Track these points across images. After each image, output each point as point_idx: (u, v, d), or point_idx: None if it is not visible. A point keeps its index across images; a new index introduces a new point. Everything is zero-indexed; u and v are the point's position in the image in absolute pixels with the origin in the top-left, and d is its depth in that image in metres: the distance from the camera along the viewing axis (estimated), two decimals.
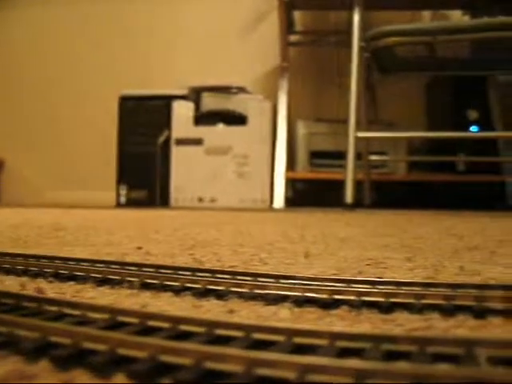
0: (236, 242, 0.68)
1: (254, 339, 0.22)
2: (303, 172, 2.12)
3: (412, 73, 2.04)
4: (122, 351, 0.21)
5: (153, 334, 0.23)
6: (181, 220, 1.24)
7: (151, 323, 0.25)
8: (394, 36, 1.65)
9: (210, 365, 0.19)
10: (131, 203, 2.20)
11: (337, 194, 1.68)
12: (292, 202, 2.12)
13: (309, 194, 2.16)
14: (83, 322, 0.25)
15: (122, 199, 2.23)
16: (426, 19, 2.36)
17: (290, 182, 2.15)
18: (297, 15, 2.39)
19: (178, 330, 0.24)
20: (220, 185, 2.08)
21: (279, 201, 2.03)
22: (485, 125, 1.98)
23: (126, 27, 2.68)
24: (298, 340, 0.22)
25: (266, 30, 2.48)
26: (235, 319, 0.28)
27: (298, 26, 2.43)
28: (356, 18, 1.73)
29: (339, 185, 1.66)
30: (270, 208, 2.02)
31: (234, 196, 2.07)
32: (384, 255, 0.55)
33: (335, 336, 0.21)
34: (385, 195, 2.09)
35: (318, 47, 2.41)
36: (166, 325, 0.24)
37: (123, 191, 2.23)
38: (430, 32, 1.61)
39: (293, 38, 2.38)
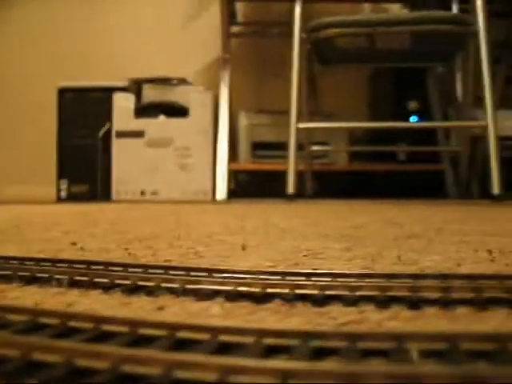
0: (174, 235, 0.67)
1: (178, 338, 0.21)
2: (245, 163, 2.11)
3: (353, 64, 2.05)
4: (37, 356, 0.19)
5: (72, 336, 0.22)
6: (121, 214, 1.22)
7: (73, 324, 0.23)
8: (334, 27, 1.65)
9: (128, 368, 0.18)
10: (72, 198, 2.16)
11: (279, 185, 1.68)
12: (235, 193, 2.11)
13: (251, 185, 2.16)
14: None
15: (63, 194, 2.18)
16: (366, 11, 2.39)
17: (233, 174, 2.14)
18: (239, 6, 2.38)
19: (99, 331, 0.22)
20: (162, 177, 2.06)
21: (221, 192, 2.02)
22: (424, 115, 2.02)
23: (65, 18, 2.62)
24: (224, 338, 0.21)
25: (208, 21, 2.46)
26: (163, 317, 0.27)
27: (240, 17, 2.42)
28: (297, 9, 1.73)
29: (282, 176, 1.66)
30: (213, 200, 2.01)
31: (176, 188, 2.04)
32: (323, 245, 0.55)
33: (262, 333, 0.20)
34: (327, 185, 2.10)
35: (259, 38, 2.41)
36: (88, 325, 0.23)
37: (64, 186, 2.18)
38: (369, 24, 1.63)
39: (235, 29, 2.36)
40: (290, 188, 1.61)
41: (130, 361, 0.18)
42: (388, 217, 1.00)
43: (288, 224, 0.84)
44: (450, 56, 1.90)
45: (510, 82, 1.95)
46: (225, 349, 0.20)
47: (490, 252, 0.49)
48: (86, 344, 0.20)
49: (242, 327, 0.21)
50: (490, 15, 1.60)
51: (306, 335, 0.20)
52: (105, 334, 0.22)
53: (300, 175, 1.72)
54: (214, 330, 0.21)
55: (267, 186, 2.06)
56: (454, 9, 1.92)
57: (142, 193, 2.06)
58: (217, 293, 0.31)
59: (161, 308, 0.29)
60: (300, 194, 1.68)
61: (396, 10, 2.29)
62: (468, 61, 1.81)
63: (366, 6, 2.39)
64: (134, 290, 0.33)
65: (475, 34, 1.59)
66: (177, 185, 2.05)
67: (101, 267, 0.39)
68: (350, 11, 2.22)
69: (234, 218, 1.01)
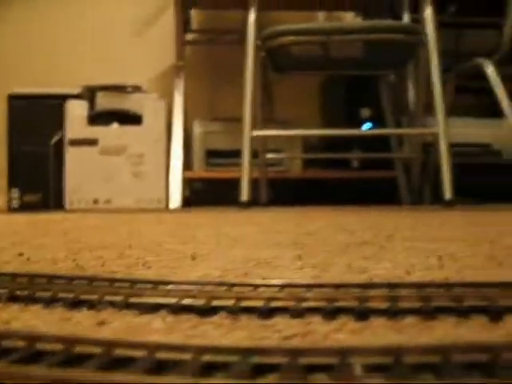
0: (125, 244, 0.66)
1: (113, 356, 0.20)
2: (200, 171, 2.10)
3: (307, 72, 2.06)
4: None
5: (1, 357, 0.21)
6: (73, 223, 1.20)
7: (5, 343, 0.22)
8: (288, 35, 1.66)
9: None
10: (25, 207, 2.11)
11: (234, 193, 1.68)
12: (189, 201, 2.09)
13: (206, 193, 2.15)
14: None
15: (15, 203, 2.14)
16: (320, 20, 2.41)
17: (187, 182, 2.13)
18: (193, 13, 2.37)
19: (32, 350, 0.21)
20: (116, 186, 2.03)
21: (176, 201, 2.00)
22: (377, 122, 2.04)
23: (15, 24, 2.57)
24: (161, 355, 0.20)
25: (162, 28, 2.44)
26: (103, 332, 0.26)
27: (195, 25, 2.41)
28: (251, 17, 1.73)
29: (236, 183, 1.65)
30: (167, 208, 1.99)
31: (130, 197, 2.02)
32: (274, 254, 0.54)
33: (201, 350, 0.19)
34: (281, 193, 2.10)
35: (214, 46, 2.40)
36: (21, 344, 0.22)
37: (15, 195, 2.14)
38: (323, 32, 1.64)
39: (189, 36, 2.35)
40: (244, 196, 1.61)
41: (59, 382, 0.17)
42: (341, 224, 1.00)
43: (240, 232, 0.83)
44: (401, 64, 1.92)
45: (460, 91, 1.98)
46: (162, 367, 0.19)
47: (440, 258, 0.50)
48: (13, 365, 0.19)
49: (181, 344, 0.20)
50: (439, 25, 1.63)
51: (247, 351, 0.19)
52: (38, 353, 0.21)
53: (254, 183, 1.72)
54: (152, 347, 0.20)
55: (222, 193, 2.05)
56: (406, 18, 1.95)
57: (95, 201, 2.03)
58: (160, 306, 0.30)
59: (101, 323, 0.28)
60: (254, 202, 1.68)
61: (349, 19, 2.32)
62: (419, 69, 1.84)
63: (320, 14, 2.41)
64: (76, 304, 0.32)
65: (425, 43, 1.62)
66: (130, 193, 2.02)
67: (44, 280, 0.37)
68: (304, 19, 2.23)
69: (186, 226, 1.00)
